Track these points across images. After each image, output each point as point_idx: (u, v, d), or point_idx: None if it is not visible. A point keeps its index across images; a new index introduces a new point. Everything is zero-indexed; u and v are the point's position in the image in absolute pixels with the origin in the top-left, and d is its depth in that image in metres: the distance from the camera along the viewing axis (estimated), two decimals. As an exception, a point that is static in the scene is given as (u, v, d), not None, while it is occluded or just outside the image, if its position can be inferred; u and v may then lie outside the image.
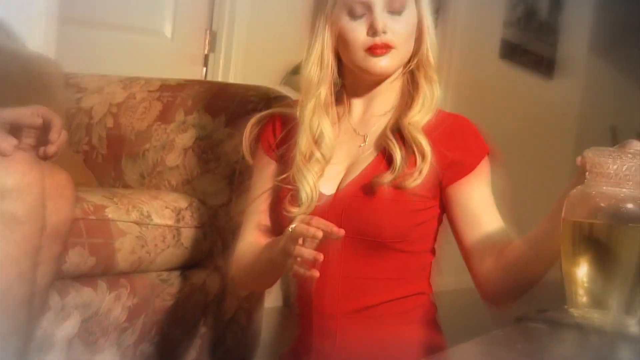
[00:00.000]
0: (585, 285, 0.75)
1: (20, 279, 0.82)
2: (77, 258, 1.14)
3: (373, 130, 1.08)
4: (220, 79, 2.24)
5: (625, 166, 0.73)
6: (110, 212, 1.22)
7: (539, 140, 3.62)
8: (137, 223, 1.24)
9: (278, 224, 1.08)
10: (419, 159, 1.01)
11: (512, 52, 3.40)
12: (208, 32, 2.29)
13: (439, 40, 1.13)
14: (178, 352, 1.33)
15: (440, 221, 1.08)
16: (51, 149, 0.92)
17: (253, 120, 1.13)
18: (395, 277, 1.04)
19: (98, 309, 1.19)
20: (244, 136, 1.13)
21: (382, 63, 1.03)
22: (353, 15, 1.02)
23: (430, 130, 1.04)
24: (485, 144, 1.07)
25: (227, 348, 1.42)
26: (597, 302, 0.75)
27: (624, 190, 0.73)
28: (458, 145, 1.05)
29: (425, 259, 1.08)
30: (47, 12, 1.73)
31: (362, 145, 1.07)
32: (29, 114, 0.91)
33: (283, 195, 1.06)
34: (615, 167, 0.73)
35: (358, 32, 1.02)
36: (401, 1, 1.02)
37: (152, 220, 1.27)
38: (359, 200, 1.02)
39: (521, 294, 1.00)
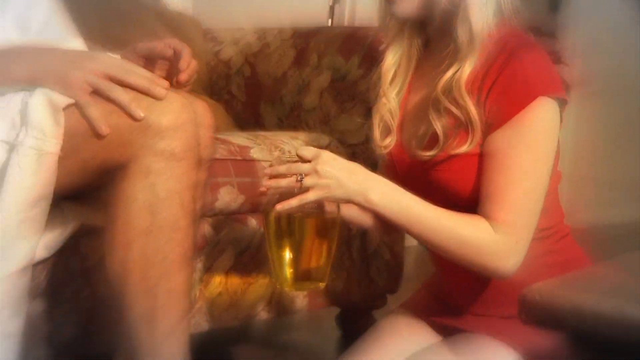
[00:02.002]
0: (288, 263, 0.90)
1: (184, 213, 0.84)
2: (228, 196, 1.19)
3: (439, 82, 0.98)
4: (346, 28, 2.22)
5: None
6: (255, 153, 1.26)
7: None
8: (279, 162, 1.23)
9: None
10: (469, 125, 0.93)
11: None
12: (333, -17, 2.28)
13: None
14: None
15: None
16: (183, 76, 0.94)
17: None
18: None
19: (250, 243, 1.25)
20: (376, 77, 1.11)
21: (395, 7, 0.98)
22: None
23: (488, 54, 0.93)
24: (531, 96, 0.91)
25: (371, 280, 1.45)
26: (299, 275, 0.91)
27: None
28: (502, 89, 0.92)
29: None
30: (185, -28, 1.81)
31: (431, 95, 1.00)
32: (161, 46, 0.94)
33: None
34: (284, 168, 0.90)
35: None
36: None
37: (292, 159, 1.30)
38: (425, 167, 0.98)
39: None
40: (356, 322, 1.48)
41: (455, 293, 1.04)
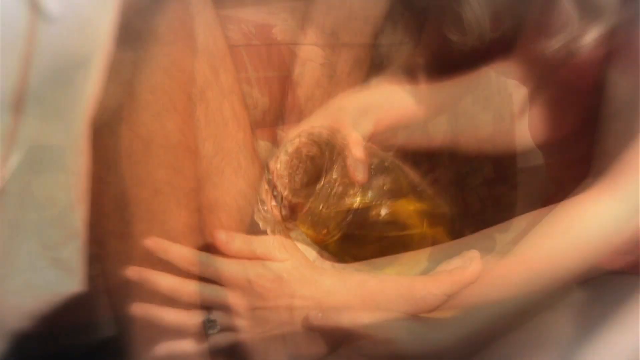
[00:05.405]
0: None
1: (179, 123, 0.67)
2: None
3: None
4: None
5: None
6: (280, 33, 0.99)
7: None
8: (318, 45, 1.00)
9: None
10: None
11: None
12: None
13: None
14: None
15: None
16: None
17: None
18: None
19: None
20: None
21: None
22: None
23: None
24: None
25: (468, 206, 1.20)
26: None
27: None
28: None
29: None
30: None
31: None
32: None
33: None
34: None
35: None
36: None
37: (340, 39, 1.02)
38: None
39: None
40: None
41: None
